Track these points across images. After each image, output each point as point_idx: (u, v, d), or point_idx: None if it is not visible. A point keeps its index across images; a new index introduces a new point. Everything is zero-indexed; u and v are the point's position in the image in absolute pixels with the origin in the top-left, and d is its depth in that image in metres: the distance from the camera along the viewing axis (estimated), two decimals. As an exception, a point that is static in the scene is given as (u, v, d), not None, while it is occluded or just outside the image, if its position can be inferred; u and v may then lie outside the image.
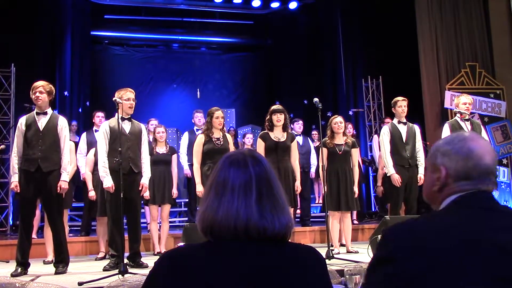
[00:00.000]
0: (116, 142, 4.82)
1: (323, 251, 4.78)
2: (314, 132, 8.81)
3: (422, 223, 1.21)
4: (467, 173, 1.26)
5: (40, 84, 4.80)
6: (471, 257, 1.09)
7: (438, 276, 1.08)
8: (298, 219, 7.61)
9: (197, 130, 7.13)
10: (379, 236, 1.22)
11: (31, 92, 4.81)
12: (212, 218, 1.22)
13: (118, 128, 4.83)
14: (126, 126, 5.13)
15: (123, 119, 5.08)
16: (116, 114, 4.92)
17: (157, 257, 1.24)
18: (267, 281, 1.15)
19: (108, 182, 4.91)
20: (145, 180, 5.17)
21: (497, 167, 6.53)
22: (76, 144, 6.59)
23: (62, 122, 4.87)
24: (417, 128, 6.09)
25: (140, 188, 5.12)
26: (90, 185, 5.94)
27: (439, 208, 1.30)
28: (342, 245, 5.99)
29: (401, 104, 5.97)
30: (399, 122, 6.01)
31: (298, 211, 7.56)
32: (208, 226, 1.23)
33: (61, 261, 4.74)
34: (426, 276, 1.08)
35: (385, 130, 6.03)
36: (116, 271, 4.30)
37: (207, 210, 1.24)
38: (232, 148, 5.51)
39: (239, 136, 9.79)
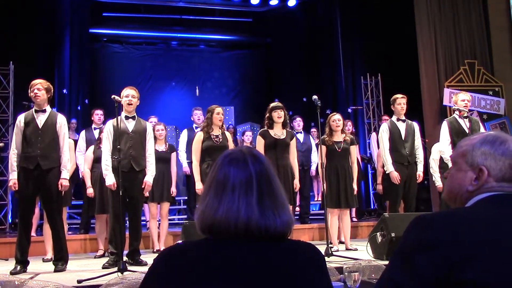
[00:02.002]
0: (117, 140, 4.83)
1: (322, 249, 4.79)
2: (313, 130, 8.81)
3: (463, 213, 1.21)
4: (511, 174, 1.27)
5: (38, 82, 4.81)
6: (504, 252, 1.10)
7: (476, 265, 1.09)
8: (297, 217, 7.62)
9: (196, 127, 7.13)
10: (414, 221, 1.21)
11: (29, 90, 4.82)
12: (212, 218, 1.21)
13: (118, 126, 4.84)
14: (130, 125, 5.14)
15: (127, 117, 5.12)
16: (120, 112, 4.95)
17: (156, 255, 1.24)
18: (267, 278, 1.15)
19: (109, 179, 4.93)
20: (148, 178, 5.17)
21: None
22: (76, 142, 6.60)
23: (61, 120, 4.87)
24: (416, 126, 6.09)
25: (142, 186, 5.13)
26: (88, 182, 5.95)
27: (465, 205, 1.30)
28: (341, 242, 6.00)
29: (400, 102, 5.97)
30: (398, 119, 6.01)
31: (297, 208, 7.57)
32: (207, 225, 1.22)
33: (60, 259, 4.74)
34: (465, 264, 1.09)
35: (384, 128, 6.03)
36: (115, 268, 4.30)
37: (206, 209, 1.23)
38: (231, 145, 5.51)
39: (238, 134, 9.79)
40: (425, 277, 1.11)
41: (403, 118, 6.01)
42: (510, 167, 1.27)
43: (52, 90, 4.94)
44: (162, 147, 6.19)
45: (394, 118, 6.07)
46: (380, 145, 6.08)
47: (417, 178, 5.91)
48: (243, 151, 1.30)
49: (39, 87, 4.76)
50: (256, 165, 1.26)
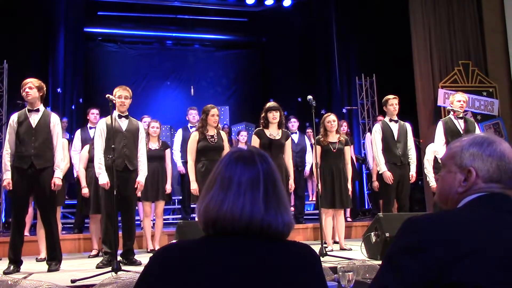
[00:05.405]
0: (111, 139, 4.82)
1: (316, 249, 4.78)
2: (308, 130, 8.81)
3: (452, 216, 1.22)
4: (500, 175, 1.28)
5: (29, 80, 4.79)
6: (493, 254, 1.11)
7: (462, 269, 1.09)
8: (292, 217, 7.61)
9: (191, 127, 7.12)
10: (403, 224, 1.22)
11: (21, 89, 4.80)
12: (216, 211, 1.21)
13: (112, 125, 4.82)
14: (123, 124, 5.13)
15: (120, 116, 5.10)
16: (112, 111, 4.93)
17: (150, 255, 1.24)
18: (264, 276, 1.15)
19: (103, 178, 4.91)
20: (141, 178, 5.16)
21: None
22: (68, 141, 6.56)
23: (55, 119, 4.86)
24: (408, 126, 6.11)
25: (135, 186, 5.11)
26: (83, 182, 5.92)
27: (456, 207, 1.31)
28: (335, 242, 6.01)
29: (392, 102, 6.00)
30: (391, 120, 6.03)
31: (292, 208, 7.57)
32: (211, 219, 1.22)
33: (53, 259, 4.73)
34: (453, 266, 1.10)
35: (377, 128, 6.05)
36: (109, 268, 4.29)
37: (211, 203, 1.23)
38: (226, 145, 5.51)
39: (233, 134, 9.79)
40: (414, 280, 1.12)
41: (396, 118, 6.04)
42: (498, 167, 1.29)
43: (45, 89, 4.91)
44: (155, 145, 6.15)
45: (386, 118, 6.09)
46: (373, 145, 6.10)
47: (410, 179, 5.93)
48: (252, 150, 1.31)
49: (31, 86, 4.74)
50: (264, 165, 1.27)
